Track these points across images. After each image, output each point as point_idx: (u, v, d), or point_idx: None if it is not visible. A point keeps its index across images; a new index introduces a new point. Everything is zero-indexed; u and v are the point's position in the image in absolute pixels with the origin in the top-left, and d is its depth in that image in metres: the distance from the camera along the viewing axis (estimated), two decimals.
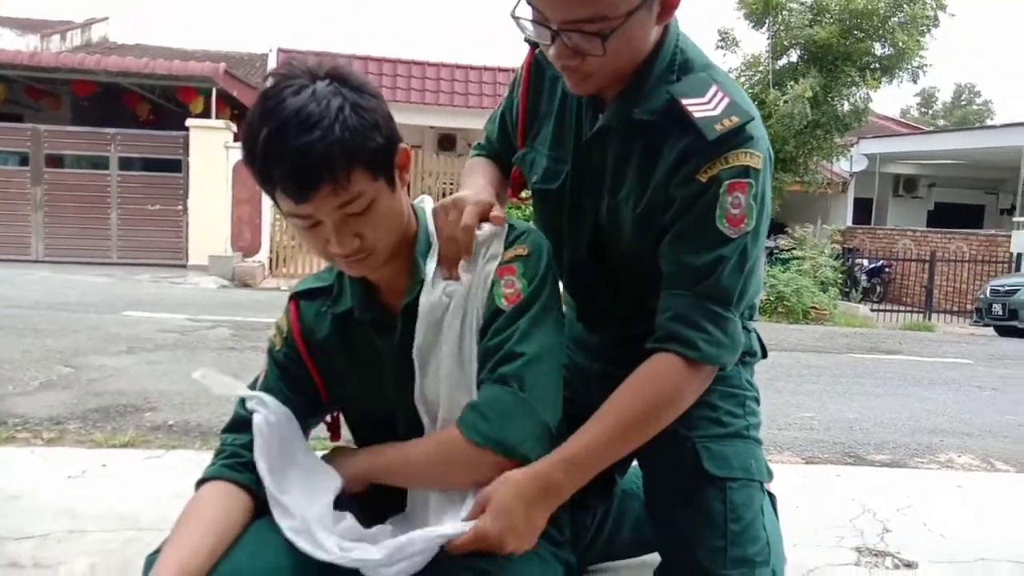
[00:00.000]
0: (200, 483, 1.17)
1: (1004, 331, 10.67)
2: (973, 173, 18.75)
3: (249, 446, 1.18)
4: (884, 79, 11.70)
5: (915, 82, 11.99)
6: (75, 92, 11.92)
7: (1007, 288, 11.06)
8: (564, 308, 1.29)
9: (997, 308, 10.95)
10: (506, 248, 1.19)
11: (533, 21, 1.13)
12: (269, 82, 1.03)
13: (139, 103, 12.52)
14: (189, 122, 10.93)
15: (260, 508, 1.16)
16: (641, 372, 1.18)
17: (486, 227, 1.20)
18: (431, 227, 1.20)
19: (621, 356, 1.40)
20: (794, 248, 12.19)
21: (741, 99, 1.18)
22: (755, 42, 26.74)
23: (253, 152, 1.02)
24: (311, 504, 1.14)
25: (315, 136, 0.98)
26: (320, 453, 1.31)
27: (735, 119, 1.15)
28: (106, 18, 17.94)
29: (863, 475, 2.73)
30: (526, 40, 1.35)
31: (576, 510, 1.37)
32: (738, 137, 1.15)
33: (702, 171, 1.15)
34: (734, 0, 11.77)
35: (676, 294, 1.19)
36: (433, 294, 1.17)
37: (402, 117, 11.44)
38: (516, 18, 1.14)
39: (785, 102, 10.72)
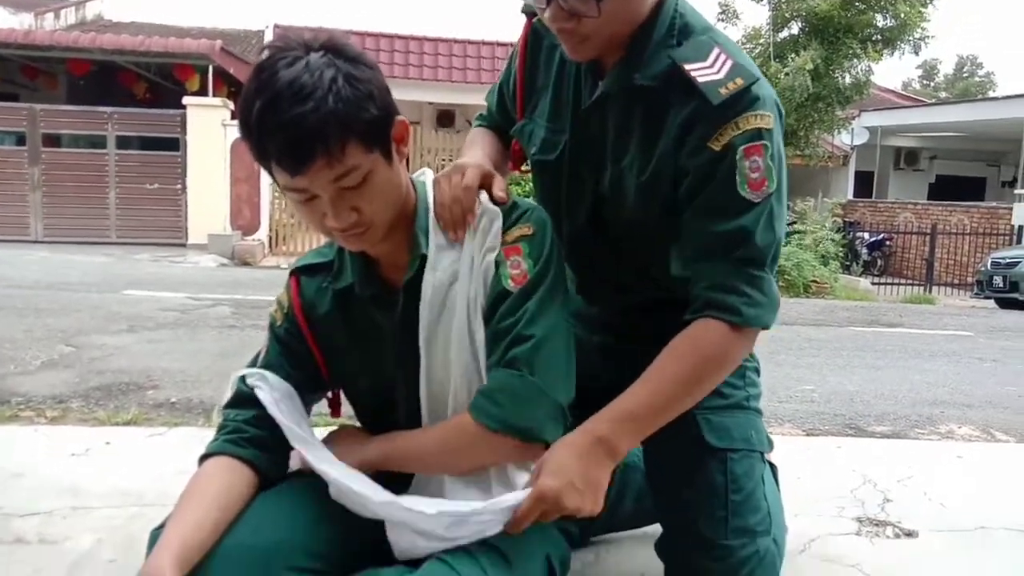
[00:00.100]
0: (203, 458, 1.17)
1: (1005, 303, 10.67)
2: (975, 145, 18.66)
3: (251, 421, 1.18)
4: (886, 51, 11.61)
5: (917, 54, 11.91)
6: (70, 71, 11.83)
7: (1008, 260, 11.04)
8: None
9: (998, 280, 10.94)
10: (510, 227, 1.18)
11: None
12: (264, 55, 1.02)
13: (135, 81, 12.42)
14: (186, 100, 10.86)
15: (263, 482, 1.17)
16: (686, 335, 1.17)
17: (484, 196, 1.19)
18: (431, 201, 1.19)
19: (622, 327, 1.40)
20: (795, 222, 12.16)
21: (744, 60, 1.17)
22: (756, 14, 26.56)
23: (248, 125, 1.01)
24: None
25: (308, 107, 0.97)
26: (324, 430, 1.32)
27: (740, 81, 1.13)
28: None
29: (864, 446, 2.74)
30: (523, 10, 1.33)
31: None
32: (745, 99, 1.14)
33: (713, 138, 1.14)
34: None
35: (708, 263, 1.17)
36: (436, 273, 1.16)
37: (400, 93, 11.35)
38: None
39: (786, 75, 10.64)
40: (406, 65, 13.22)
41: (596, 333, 1.46)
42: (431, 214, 1.18)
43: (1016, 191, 14.77)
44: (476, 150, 1.39)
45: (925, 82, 48.96)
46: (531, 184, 1.47)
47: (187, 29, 15.61)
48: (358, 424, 1.36)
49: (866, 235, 15.16)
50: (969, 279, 12.89)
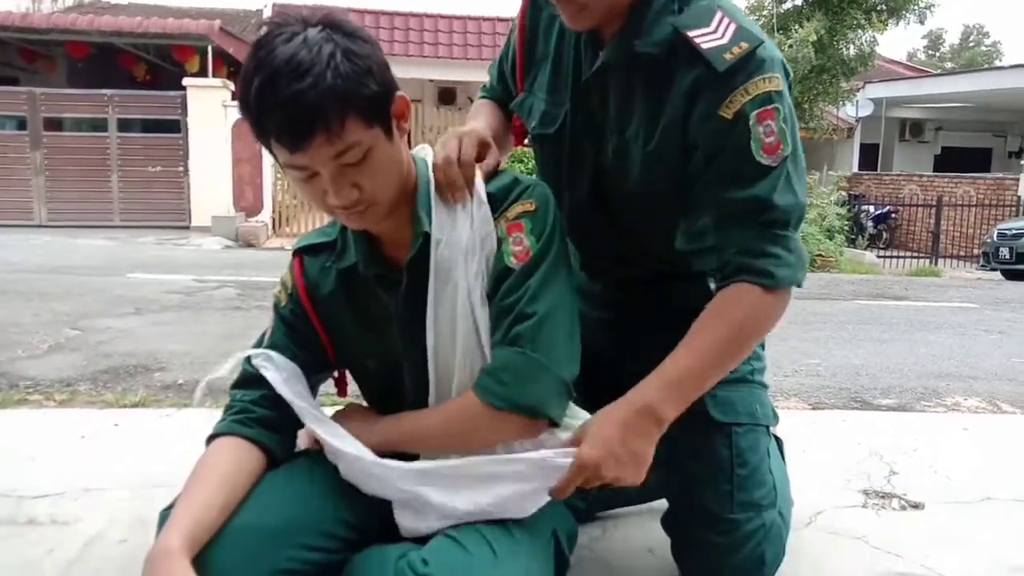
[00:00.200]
0: (210, 439, 1.18)
1: (1011, 275, 10.63)
2: (980, 116, 18.51)
3: (258, 401, 1.19)
4: (890, 21, 11.48)
5: (922, 23, 11.78)
6: (69, 54, 11.77)
7: (1014, 231, 10.99)
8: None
9: (1004, 252, 10.90)
10: (512, 203, 1.17)
11: None
12: (262, 31, 1.01)
13: (135, 63, 12.36)
14: (186, 81, 10.80)
15: (270, 462, 1.17)
16: (723, 300, 1.17)
17: (479, 179, 1.19)
18: (432, 177, 1.19)
19: (623, 302, 1.40)
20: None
21: (748, 24, 1.15)
22: None
23: (247, 103, 1.00)
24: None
25: (306, 84, 0.96)
26: (331, 409, 1.32)
27: (744, 45, 1.12)
28: None
29: (869, 419, 2.74)
30: None
31: None
32: (752, 64, 1.12)
33: (724, 106, 1.13)
34: None
35: (733, 230, 1.16)
36: (439, 251, 1.15)
37: (401, 71, 11.28)
38: None
39: (790, 47, 10.53)
40: (406, 42, 13.12)
41: (598, 309, 1.45)
42: (432, 191, 1.18)
43: (1023, 161, 14.65)
44: (479, 122, 1.38)
45: (931, 52, 48.52)
46: (534, 161, 1.47)
47: (186, 10, 15.50)
48: (364, 403, 1.36)
49: (871, 208, 15.09)
50: (975, 251, 12.85)
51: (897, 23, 11.58)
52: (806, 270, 1.20)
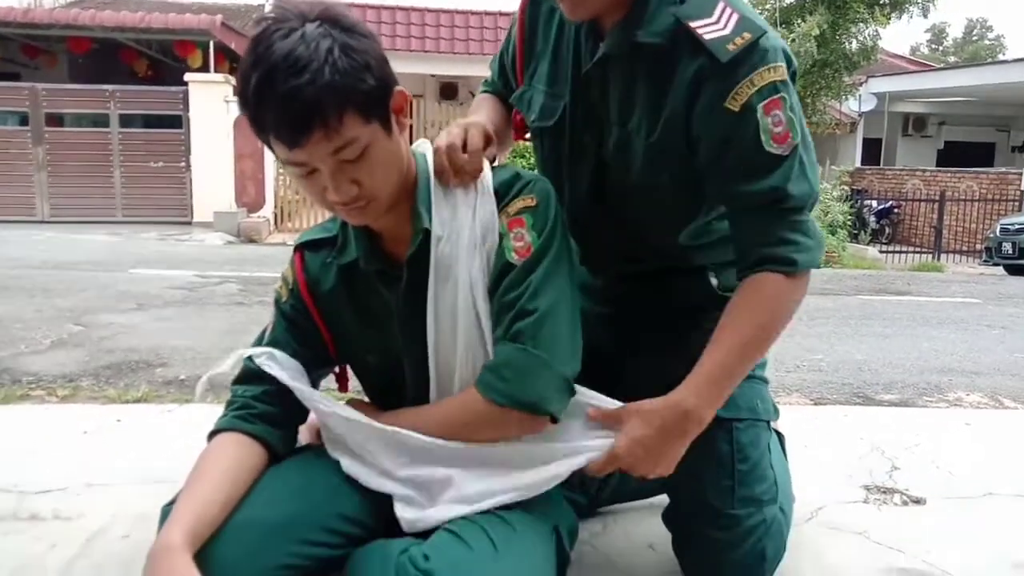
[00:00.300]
0: (212, 435, 1.18)
1: (1014, 270, 10.61)
2: (984, 110, 18.43)
3: (260, 397, 1.19)
4: (893, 15, 11.43)
5: (925, 17, 11.74)
6: (71, 49, 11.76)
7: (1017, 226, 10.95)
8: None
9: (1007, 247, 10.86)
10: (514, 198, 1.17)
11: None
12: (260, 27, 1.01)
13: (136, 59, 12.35)
14: (188, 76, 10.79)
15: (272, 458, 1.17)
16: (748, 292, 1.18)
17: (487, 168, 1.19)
18: (431, 173, 1.18)
19: (623, 297, 1.40)
20: None
21: (750, 13, 1.15)
22: None
23: (246, 99, 1.00)
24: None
25: (304, 80, 0.96)
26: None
27: (747, 35, 1.12)
28: None
29: (872, 415, 2.74)
30: None
31: None
32: (755, 55, 1.12)
33: (729, 99, 1.12)
34: None
35: (751, 221, 1.18)
36: (440, 247, 1.15)
37: (403, 66, 11.28)
38: None
39: (792, 41, 10.49)
40: (408, 37, 13.09)
41: (599, 304, 1.45)
42: (432, 186, 1.17)
43: None
44: (480, 115, 1.38)
45: (934, 46, 48.37)
46: (534, 156, 1.46)
47: (187, 4, 15.48)
48: (366, 399, 1.36)
49: (874, 203, 15.04)
50: (978, 246, 12.80)
51: (900, 17, 11.55)
52: (824, 250, 1.22)
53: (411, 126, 11.39)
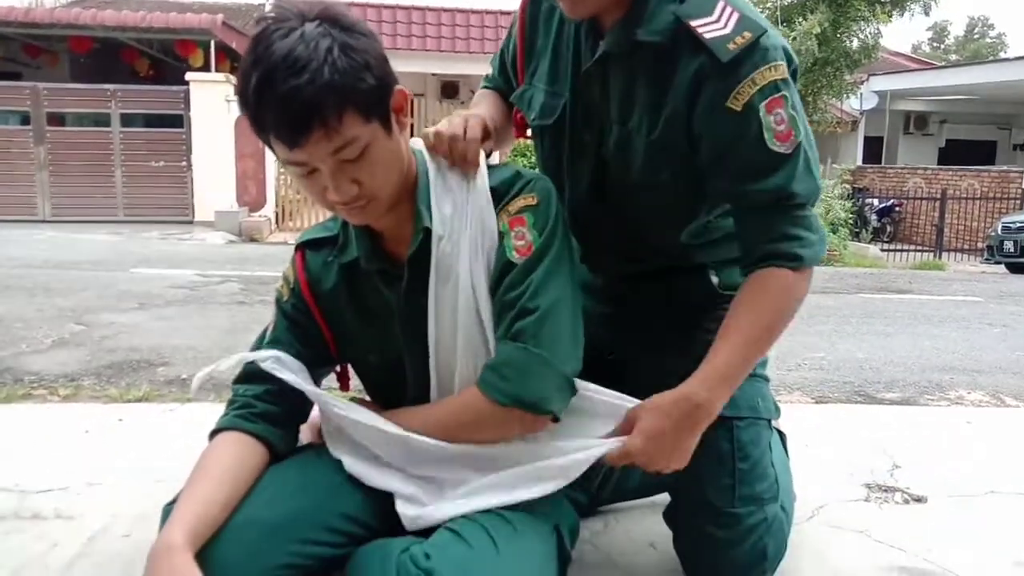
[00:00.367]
0: (213, 434, 1.18)
1: (1015, 268, 10.59)
2: (985, 108, 18.41)
3: (261, 396, 1.19)
4: (895, 12, 11.41)
5: (927, 15, 11.72)
6: (72, 49, 11.75)
7: (1019, 225, 10.93)
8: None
9: (1008, 245, 10.84)
10: (514, 197, 1.17)
11: None
12: (259, 27, 1.01)
13: (138, 58, 12.34)
14: (189, 76, 10.78)
15: (273, 457, 1.17)
16: (755, 287, 1.19)
17: (483, 163, 1.20)
18: (432, 172, 1.18)
19: (625, 296, 1.40)
20: None
21: (751, 12, 1.15)
22: None
23: (246, 99, 1.00)
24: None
25: (304, 79, 0.96)
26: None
27: (748, 35, 1.12)
28: None
29: (873, 413, 2.74)
30: None
31: None
32: (756, 54, 1.12)
33: (731, 98, 1.13)
34: None
35: (756, 220, 1.19)
36: (440, 246, 1.15)
37: (403, 65, 11.28)
38: None
39: (793, 39, 10.48)
40: (409, 36, 13.08)
41: (600, 303, 1.45)
42: (433, 185, 1.17)
43: None
44: (480, 109, 1.38)
45: (935, 44, 48.31)
46: (535, 154, 1.46)
47: (188, 4, 15.47)
48: (367, 398, 1.36)
49: (875, 201, 15.03)
50: (979, 244, 12.78)
51: (901, 15, 11.53)
52: (827, 244, 1.23)
53: (412, 125, 11.38)
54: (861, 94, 14.96)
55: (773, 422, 1.40)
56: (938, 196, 13.92)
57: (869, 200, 14.82)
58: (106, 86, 10.94)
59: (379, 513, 1.16)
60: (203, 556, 1.00)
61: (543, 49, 1.34)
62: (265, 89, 0.98)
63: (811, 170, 1.18)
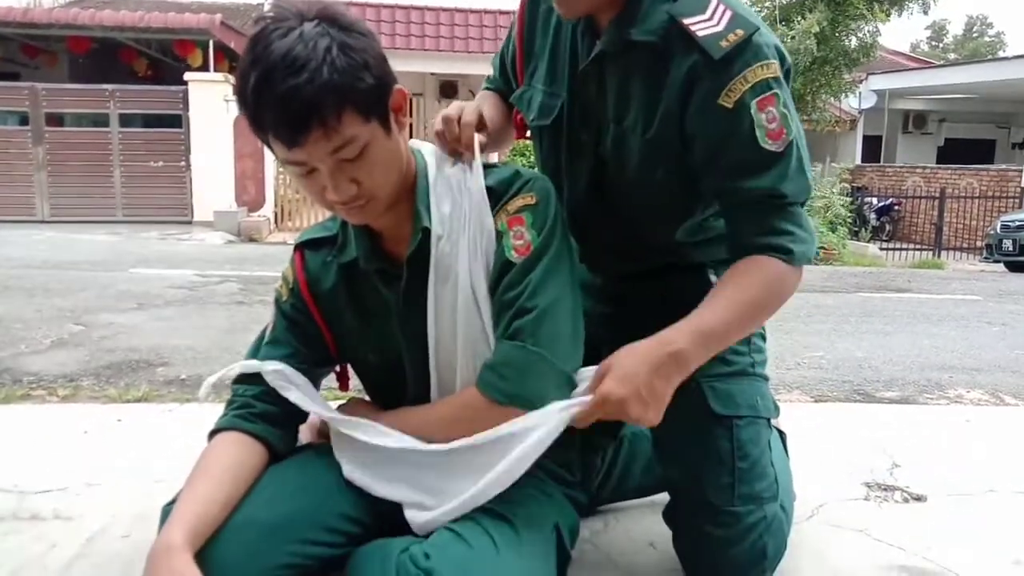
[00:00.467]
0: (212, 434, 1.18)
1: (1014, 267, 10.60)
2: (984, 107, 18.42)
3: (260, 396, 1.19)
4: (893, 11, 11.40)
5: (925, 13, 11.71)
6: (71, 49, 11.74)
7: (1018, 223, 10.93)
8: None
9: (1007, 244, 10.85)
10: (513, 196, 1.17)
11: None
12: (258, 26, 1.01)
13: (136, 58, 12.33)
14: (188, 76, 10.78)
15: (272, 457, 1.17)
16: (747, 264, 1.18)
17: (478, 147, 1.22)
18: (431, 172, 1.19)
19: (624, 295, 1.40)
20: None
21: (743, 10, 1.15)
22: None
23: (245, 99, 1.00)
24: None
25: (302, 79, 0.96)
26: (333, 404, 1.32)
27: (740, 32, 1.12)
28: None
29: (872, 412, 2.74)
30: None
31: (586, 451, 1.38)
32: (748, 52, 1.12)
33: (723, 95, 1.13)
34: None
35: (746, 217, 1.18)
36: (439, 246, 1.15)
37: (402, 64, 11.26)
38: None
39: (792, 38, 10.48)
40: (408, 36, 13.07)
41: (600, 303, 1.45)
42: (432, 185, 1.17)
43: None
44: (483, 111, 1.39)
45: (934, 43, 48.34)
46: (535, 156, 1.47)
47: (186, 4, 15.46)
48: (367, 397, 1.36)
49: (874, 200, 15.04)
50: (978, 243, 12.80)
51: (900, 14, 11.51)
52: (816, 244, 1.22)
53: (411, 124, 11.37)
54: (860, 93, 14.95)
55: (773, 421, 1.40)
56: (937, 195, 13.93)
57: (868, 199, 14.84)
58: (104, 86, 10.93)
59: (378, 513, 1.16)
60: (202, 556, 1.00)
61: (541, 50, 1.34)
62: (264, 89, 0.98)
63: (803, 169, 1.18)
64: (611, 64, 1.23)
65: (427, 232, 1.15)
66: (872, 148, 18.55)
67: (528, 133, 1.45)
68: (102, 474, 1.82)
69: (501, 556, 1.05)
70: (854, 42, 11.44)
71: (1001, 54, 35.61)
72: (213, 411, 1.24)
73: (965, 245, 13.39)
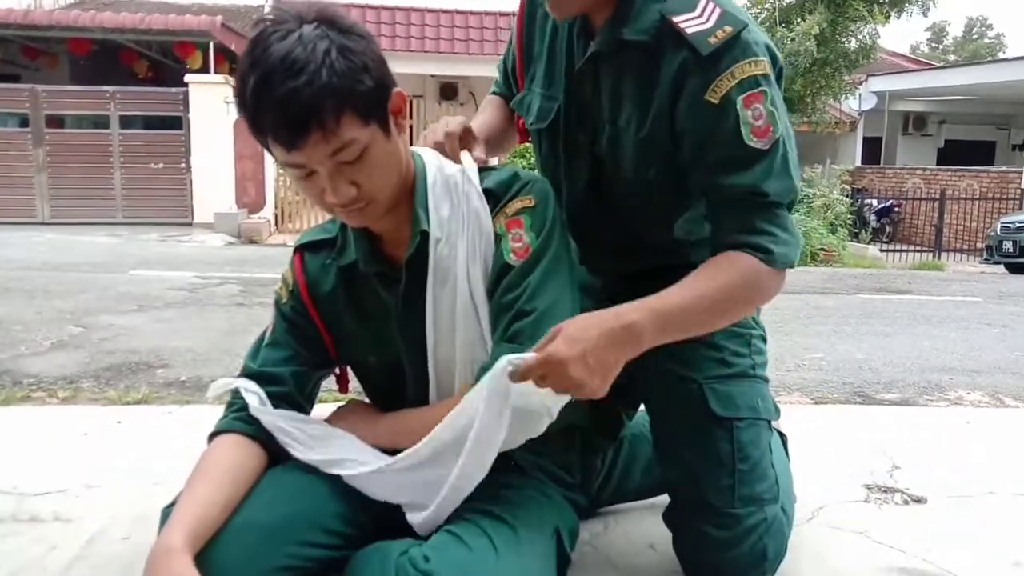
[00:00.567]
0: (212, 436, 1.18)
1: (1014, 268, 10.60)
2: (984, 109, 18.42)
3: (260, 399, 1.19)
4: (893, 13, 11.41)
5: (925, 15, 11.72)
6: (72, 51, 11.76)
7: (1018, 225, 10.93)
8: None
9: (1007, 245, 10.85)
10: (512, 199, 1.17)
11: None
12: (257, 29, 1.01)
13: (137, 60, 12.35)
14: (188, 78, 10.79)
15: (272, 459, 1.17)
16: (720, 257, 1.16)
17: (466, 156, 1.23)
18: (430, 175, 1.19)
19: (624, 295, 1.40)
20: (802, 189, 12.04)
21: (733, 8, 1.16)
22: None
23: (244, 102, 1.00)
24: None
25: (301, 82, 0.96)
26: (333, 405, 1.32)
27: (729, 29, 1.12)
28: None
29: (872, 414, 2.74)
30: None
31: (586, 453, 1.38)
32: (736, 48, 1.12)
33: (710, 91, 1.13)
34: None
35: (729, 213, 1.17)
36: (438, 249, 1.15)
37: (402, 66, 11.26)
38: None
39: (792, 40, 10.49)
40: (408, 37, 13.07)
41: (600, 304, 1.45)
42: (431, 188, 1.17)
43: None
44: (480, 117, 1.41)
45: (934, 45, 48.36)
46: (535, 159, 1.47)
47: (187, 6, 15.47)
48: (366, 399, 1.36)
49: (874, 202, 15.04)
50: (978, 244, 12.79)
51: (899, 15, 11.53)
52: (800, 251, 1.20)
53: (411, 127, 11.36)
54: (860, 95, 14.97)
55: (774, 423, 1.40)
56: (937, 196, 13.93)
57: (868, 200, 14.84)
58: (105, 88, 10.94)
59: (377, 515, 1.16)
60: (202, 558, 1.00)
61: (539, 53, 1.35)
62: (263, 91, 0.98)
63: (788, 168, 1.16)
64: (605, 64, 1.24)
65: (425, 235, 1.15)
66: (872, 150, 18.56)
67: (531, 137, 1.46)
68: (102, 476, 1.81)
69: (501, 558, 1.05)
70: (854, 44, 11.45)
71: (1001, 56, 35.64)
72: (213, 413, 1.24)
73: (965, 247, 13.39)
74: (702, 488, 1.29)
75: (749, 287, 1.16)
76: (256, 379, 1.21)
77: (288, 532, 1.08)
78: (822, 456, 2.09)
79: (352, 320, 1.24)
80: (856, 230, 13.11)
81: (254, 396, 1.18)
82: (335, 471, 1.15)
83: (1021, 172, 14.23)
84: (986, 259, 11.65)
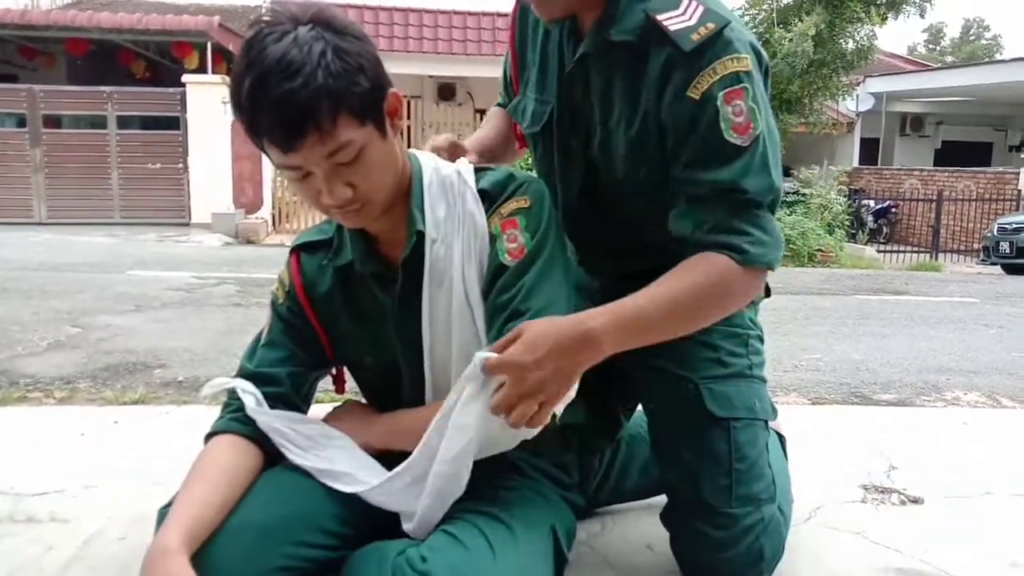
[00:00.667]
0: (209, 437, 1.18)
1: (1011, 269, 10.62)
2: (981, 110, 18.45)
3: (256, 399, 1.19)
4: (890, 14, 11.42)
5: (922, 17, 11.71)
6: (69, 51, 11.76)
7: (1015, 226, 10.96)
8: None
9: (1004, 246, 10.87)
10: (507, 199, 1.17)
11: None
12: (253, 30, 1.01)
13: (134, 60, 12.35)
14: (185, 78, 10.79)
15: (268, 460, 1.17)
16: (691, 260, 1.15)
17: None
18: (426, 176, 1.19)
19: (624, 295, 1.40)
20: (799, 189, 12.07)
21: (716, 6, 1.16)
22: None
23: (239, 103, 1.00)
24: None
25: (297, 83, 0.96)
26: (329, 406, 1.32)
27: (711, 26, 1.12)
28: None
29: (869, 414, 2.74)
30: None
31: (584, 453, 1.38)
32: (718, 44, 1.12)
33: (692, 87, 1.13)
34: None
35: (706, 210, 1.16)
36: (434, 250, 1.15)
37: (400, 67, 11.27)
38: None
39: (790, 40, 10.50)
40: (405, 38, 13.07)
41: (598, 305, 1.45)
42: (427, 189, 1.17)
43: (1023, 155, 14.60)
44: (479, 131, 1.42)
45: (931, 46, 48.46)
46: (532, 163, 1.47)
47: (184, 6, 15.46)
48: (363, 400, 1.36)
49: (872, 203, 15.06)
50: (975, 245, 12.82)
51: (897, 17, 11.53)
52: (780, 253, 1.18)
53: (408, 127, 11.35)
54: (857, 96, 14.99)
55: (772, 424, 1.40)
56: (934, 197, 13.95)
57: (865, 201, 14.85)
58: (102, 88, 10.94)
59: (374, 515, 1.16)
60: (198, 559, 1.00)
61: (532, 59, 1.36)
62: (259, 93, 0.97)
63: (767, 167, 1.15)
64: (594, 66, 1.24)
65: (421, 236, 1.15)
66: (869, 151, 18.58)
67: None
68: (99, 476, 1.81)
69: (498, 558, 1.05)
70: (851, 45, 11.45)
71: (998, 57, 35.74)
72: (210, 413, 1.24)
73: (962, 247, 13.40)
74: (699, 488, 1.29)
75: (721, 289, 1.15)
76: (253, 379, 1.21)
77: (285, 532, 1.08)
78: (819, 456, 2.10)
79: (348, 320, 1.24)
80: (853, 231, 13.12)
81: (251, 397, 1.18)
82: (327, 482, 1.15)
83: (1018, 173, 14.25)
84: (983, 260, 11.67)
